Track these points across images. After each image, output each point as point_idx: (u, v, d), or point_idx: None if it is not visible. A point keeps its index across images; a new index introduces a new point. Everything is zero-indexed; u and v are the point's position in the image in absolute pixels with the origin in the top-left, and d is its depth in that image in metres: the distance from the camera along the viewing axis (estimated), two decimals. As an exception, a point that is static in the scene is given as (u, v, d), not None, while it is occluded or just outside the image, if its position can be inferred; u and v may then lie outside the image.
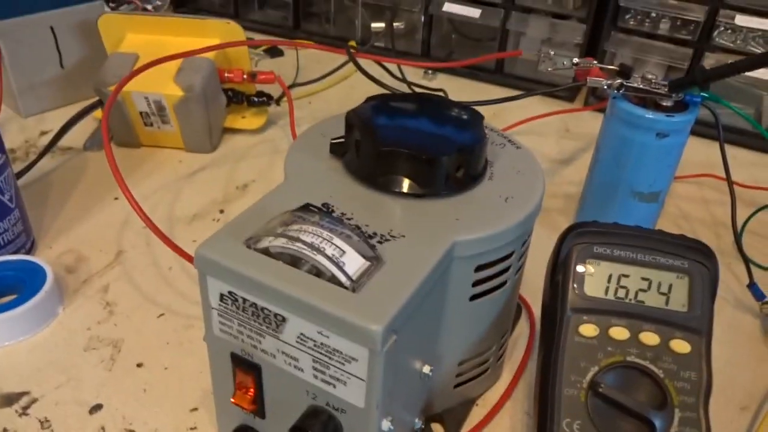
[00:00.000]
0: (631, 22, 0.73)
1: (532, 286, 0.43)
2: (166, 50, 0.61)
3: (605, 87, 0.48)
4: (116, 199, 0.55)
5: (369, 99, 0.37)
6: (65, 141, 0.60)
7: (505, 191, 0.34)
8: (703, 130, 0.69)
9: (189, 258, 0.39)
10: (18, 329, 0.42)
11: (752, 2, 0.67)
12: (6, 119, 0.66)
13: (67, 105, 0.69)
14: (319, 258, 0.28)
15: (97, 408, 0.38)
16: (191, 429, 0.37)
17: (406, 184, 0.33)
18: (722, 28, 0.69)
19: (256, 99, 0.64)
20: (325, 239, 0.28)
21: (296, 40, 0.87)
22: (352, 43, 0.85)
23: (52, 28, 0.65)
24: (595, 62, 0.50)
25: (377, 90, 0.75)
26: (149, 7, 0.93)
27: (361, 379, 0.27)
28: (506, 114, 0.72)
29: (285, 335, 0.28)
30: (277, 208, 0.32)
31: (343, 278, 0.27)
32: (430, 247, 0.30)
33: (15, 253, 0.46)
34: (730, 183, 0.53)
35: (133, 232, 0.52)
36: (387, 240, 0.30)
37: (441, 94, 0.70)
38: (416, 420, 0.35)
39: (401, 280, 0.28)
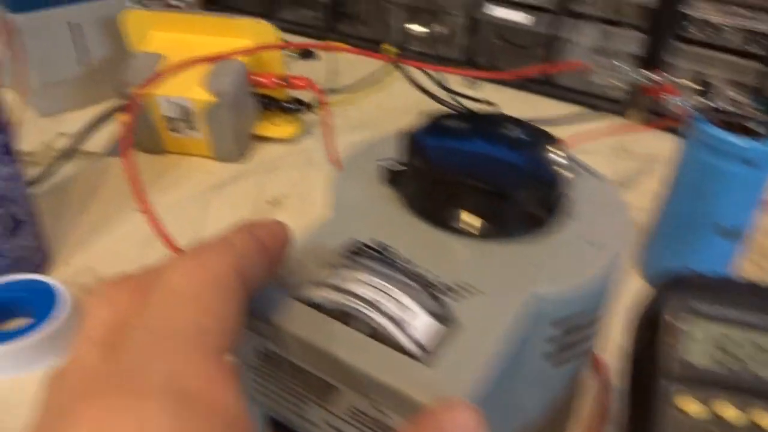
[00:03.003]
0: (695, 32, 0.67)
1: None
2: (193, 50, 0.57)
3: (689, 109, 0.42)
4: (137, 211, 0.51)
5: (425, 118, 0.32)
6: (85, 145, 0.56)
7: (589, 232, 0.30)
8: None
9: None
10: (30, 359, 0.37)
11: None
12: (23, 119, 0.62)
13: (88, 106, 0.65)
14: (380, 319, 0.23)
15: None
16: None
17: (474, 223, 0.28)
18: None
19: (288, 106, 0.59)
20: (383, 291, 0.23)
21: (330, 41, 0.83)
22: (388, 46, 0.81)
23: (73, 24, 0.61)
24: (670, 77, 0.45)
25: (417, 98, 0.70)
26: (175, 2, 0.89)
27: (427, 467, 0.22)
28: (552, 127, 0.67)
29: (335, 407, 0.24)
30: (323, 247, 0.27)
31: (410, 345, 0.22)
32: (507, 304, 0.25)
33: (28, 271, 0.42)
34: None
35: (156, 250, 0.47)
36: (455, 292, 0.25)
37: (494, 108, 0.65)
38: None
39: (478, 349, 0.23)
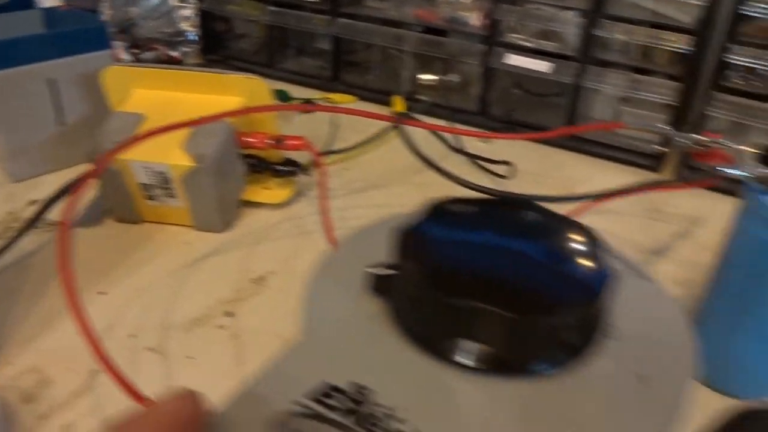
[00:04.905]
0: (735, 80, 0.61)
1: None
2: (177, 109, 0.52)
3: (745, 179, 0.35)
4: (102, 294, 0.45)
5: (429, 206, 0.25)
6: (54, 214, 0.50)
7: (636, 361, 0.22)
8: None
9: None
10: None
11: None
12: (-7, 184, 0.57)
13: (65, 168, 0.59)
14: None
15: None
16: None
17: (489, 357, 0.21)
18: None
19: (281, 168, 0.53)
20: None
21: (333, 94, 0.77)
22: (398, 100, 0.75)
23: (51, 81, 0.56)
24: (724, 141, 0.38)
25: (437, 154, 0.64)
26: (176, 54, 0.85)
27: None
28: (575, 187, 0.60)
29: None
30: (284, 387, 0.20)
31: None
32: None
33: (-43, 376, 0.36)
34: None
35: (116, 342, 0.41)
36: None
37: (511, 167, 0.58)
38: None
39: None
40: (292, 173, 0.54)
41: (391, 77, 0.80)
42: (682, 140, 0.40)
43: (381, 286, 0.24)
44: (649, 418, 0.20)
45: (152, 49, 0.82)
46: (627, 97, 0.67)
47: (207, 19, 0.86)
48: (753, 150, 0.37)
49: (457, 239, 0.24)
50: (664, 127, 0.41)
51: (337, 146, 0.65)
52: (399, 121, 0.55)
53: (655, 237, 0.55)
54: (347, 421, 0.19)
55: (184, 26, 0.86)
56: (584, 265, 0.23)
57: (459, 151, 0.57)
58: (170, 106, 0.52)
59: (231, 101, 0.52)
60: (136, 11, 0.88)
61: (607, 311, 0.23)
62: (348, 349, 0.22)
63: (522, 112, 0.74)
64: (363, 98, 0.78)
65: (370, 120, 0.71)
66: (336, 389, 0.20)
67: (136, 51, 0.82)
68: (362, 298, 0.25)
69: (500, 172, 0.59)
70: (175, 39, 0.86)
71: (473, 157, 0.57)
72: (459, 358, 0.21)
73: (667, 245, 0.54)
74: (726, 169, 0.37)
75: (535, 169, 0.61)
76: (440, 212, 0.25)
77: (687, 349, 0.23)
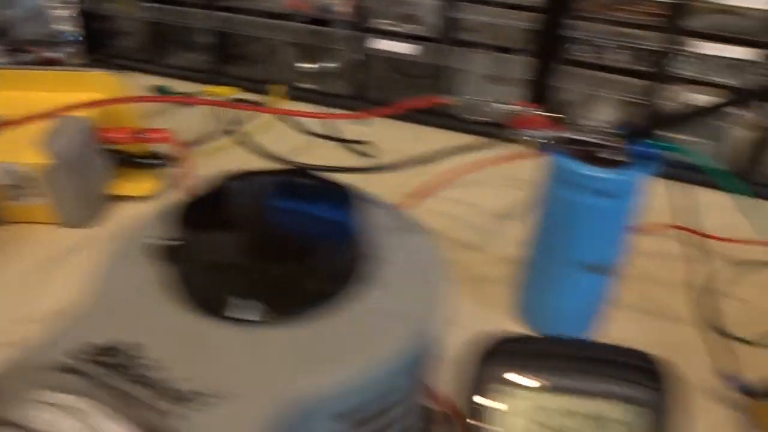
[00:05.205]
0: (581, 54, 0.65)
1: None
2: (33, 109, 0.52)
3: (542, 140, 0.39)
4: (-41, 294, 0.45)
5: (213, 179, 0.28)
6: None
7: (393, 301, 0.25)
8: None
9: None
10: None
11: (716, 28, 0.60)
12: None
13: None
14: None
15: None
16: None
17: (245, 308, 0.24)
18: (682, 57, 0.61)
19: (141, 161, 0.54)
20: (79, 420, 0.19)
21: (216, 87, 0.78)
22: (276, 89, 0.77)
23: None
24: (529, 108, 0.42)
25: (299, 144, 0.67)
26: (57, 55, 0.85)
27: None
28: (433, 159, 0.64)
29: None
30: (56, 352, 0.23)
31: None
32: (258, 409, 0.21)
33: None
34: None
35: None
36: (201, 401, 0.21)
37: (368, 146, 0.60)
38: None
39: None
40: (155, 165, 0.55)
41: (274, 67, 0.81)
42: (498, 109, 0.43)
43: (167, 255, 0.27)
44: (399, 350, 0.23)
45: (29, 51, 0.82)
46: (491, 75, 0.71)
47: (88, 18, 0.86)
48: (558, 115, 0.41)
49: (235, 205, 0.26)
50: (479, 98, 0.45)
51: (216, 137, 0.67)
52: (237, 107, 0.57)
53: (509, 203, 0.59)
54: (105, 373, 0.21)
55: (62, 27, 0.86)
56: (338, 219, 0.26)
57: (310, 133, 0.60)
58: (25, 106, 0.53)
59: (89, 98, 0.53)
60: (12, 13, 0.87)
61: (367, 259, 0.26)
62: (126, 313, 0.25)
63: (399, 95, 0.77)
64: (248, 89, 0.80)
65: (254, 112, 0.73)
66: (103, 348, 0.22)
67: (16, 53, 0.81)
68: (150, 267, 0.27)
69: (368, 152, 0.62)
70: (54, 40, 0.85)
71: (337, 140, 0.60)
72: (229, 313, 0.24)
73: (519, 210, 0.58)
74: (529, 134, 0.41)
75: (399, 146, 0.65)
76: (223, 184, 0.28)
77: (438, 287, 0.26)
